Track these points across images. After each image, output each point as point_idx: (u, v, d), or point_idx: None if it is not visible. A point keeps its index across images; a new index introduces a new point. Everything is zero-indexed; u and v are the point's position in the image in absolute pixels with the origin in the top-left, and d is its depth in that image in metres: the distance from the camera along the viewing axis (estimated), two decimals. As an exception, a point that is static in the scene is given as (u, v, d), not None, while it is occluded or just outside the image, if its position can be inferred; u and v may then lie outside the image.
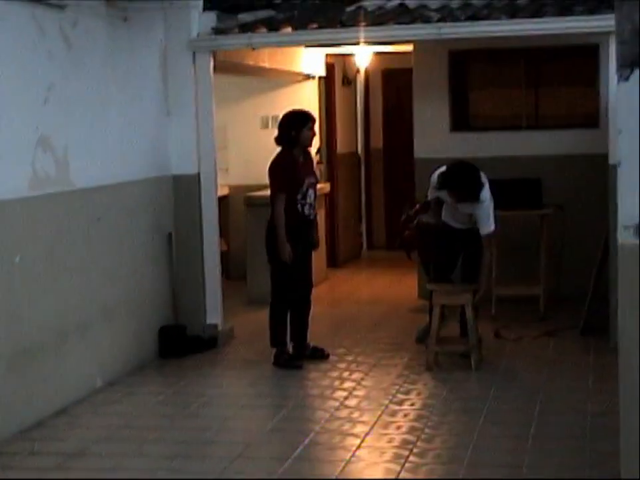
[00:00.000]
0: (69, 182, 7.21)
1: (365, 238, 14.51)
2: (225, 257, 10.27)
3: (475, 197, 7.79)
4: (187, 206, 8.79)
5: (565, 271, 10.02)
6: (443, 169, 7.99)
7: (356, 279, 12.38)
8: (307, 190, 8.09)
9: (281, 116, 8.30)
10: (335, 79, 13.24)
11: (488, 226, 7.86)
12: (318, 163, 12.22)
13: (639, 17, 4.35)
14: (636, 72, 4.38)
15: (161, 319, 8.56)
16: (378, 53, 13.04)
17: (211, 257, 8.87)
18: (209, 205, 8.86)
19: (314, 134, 8.22)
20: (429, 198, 8.36)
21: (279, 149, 8.15)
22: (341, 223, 13.16)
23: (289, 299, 8.17)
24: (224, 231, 10.72)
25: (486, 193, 7.84)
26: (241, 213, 11.18)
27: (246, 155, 11.97)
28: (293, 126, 8.08)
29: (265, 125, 11.84)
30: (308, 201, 8.10)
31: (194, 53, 8.72)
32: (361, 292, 11.56)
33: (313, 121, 8.21)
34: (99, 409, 7.10)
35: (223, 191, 11.15)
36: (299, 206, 8.04)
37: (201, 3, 8.78)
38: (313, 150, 11.90)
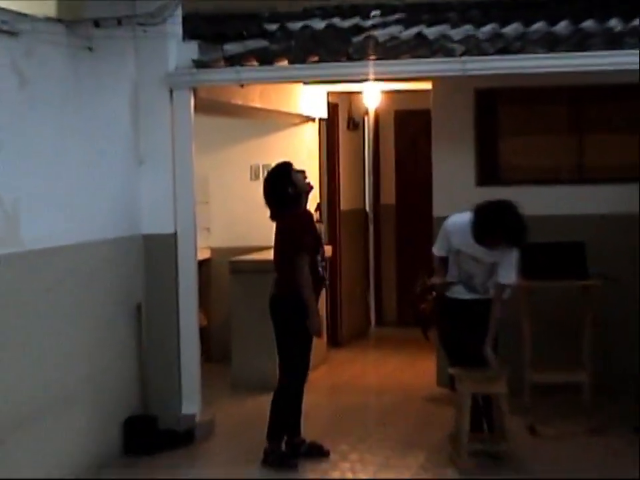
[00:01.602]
0: (20, 242, 7.21)
1: (374, 312, 14.51)
2: (204, 334, 10.25)
3: (521, 240, 7.85)
4: (160, 272, 8.80)
5: (614, 354, 9.99)
6: (461, 215, 8.08)
7: (362, 361, 12.36)
8: (322, 249, 8.23)
9: (264, 183, 8.26)
10: (339, 121, 13.33)
11: (510, 273, 7.99)
12: (317, 221, 12.25)
13: None
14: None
15: (127, 408, 8.52)
16: (390, 92, 13.14)
17: (189, 333, 8.86)
18: (187, 271, 8.86)
19: (304, 174, 8.28)
20: (436, 252, 8.35)
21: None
22: (345, 294, 13.14)
23: (302, 382, 8.17)
24: (204, 302, 10.71)
25: None
26: (225, 281, 11.18)
27: (232, 212, 12.01)
28: (286, 179, 8.10)
29: (256, 176, 11.84)
30: (324, 260, 8.22)
31: (171, 89, 8.78)
32: (367, 377, 11.52)
33: (292, 164, 8.28)
34: (50, 517, 7.05)
35: (203, 254, 11.16)
36: (320, 268, 8.12)
37: (180, 31, 8.85)
38: (312, 206, 12.00)
